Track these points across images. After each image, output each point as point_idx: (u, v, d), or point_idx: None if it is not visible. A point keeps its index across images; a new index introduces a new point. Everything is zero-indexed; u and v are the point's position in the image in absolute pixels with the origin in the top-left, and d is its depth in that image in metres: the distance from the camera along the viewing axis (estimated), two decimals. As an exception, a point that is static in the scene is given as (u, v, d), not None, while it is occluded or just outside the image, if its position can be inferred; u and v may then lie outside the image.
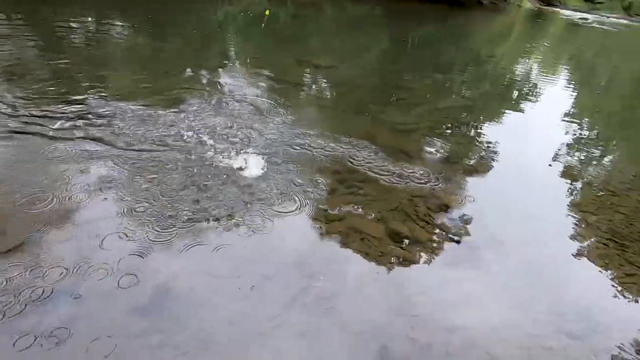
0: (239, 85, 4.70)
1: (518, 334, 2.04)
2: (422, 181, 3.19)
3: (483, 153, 4.20)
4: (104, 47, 5.74)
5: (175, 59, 5.66)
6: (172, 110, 3.85)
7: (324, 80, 5.82)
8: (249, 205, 2.63)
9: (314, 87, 5.28)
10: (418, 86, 6.65)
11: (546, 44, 15.49)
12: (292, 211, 2.65)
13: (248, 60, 6.24)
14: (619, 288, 2.50)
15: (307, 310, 1.95)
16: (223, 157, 3.09)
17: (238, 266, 2.15)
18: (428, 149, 3.92)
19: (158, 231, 2.28)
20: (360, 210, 2.74)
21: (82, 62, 4.94)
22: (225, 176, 2.86)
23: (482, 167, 3.82)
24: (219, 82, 4.76)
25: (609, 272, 2.63)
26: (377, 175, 3.14)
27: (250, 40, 8.26)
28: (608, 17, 36.66)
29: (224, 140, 3.37)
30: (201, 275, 2.06)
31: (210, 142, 3.30)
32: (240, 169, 2.99)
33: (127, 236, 2.22)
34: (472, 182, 3.48)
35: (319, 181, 3.02)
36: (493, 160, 4.06)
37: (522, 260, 2.60)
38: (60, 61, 4.82)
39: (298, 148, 3.43)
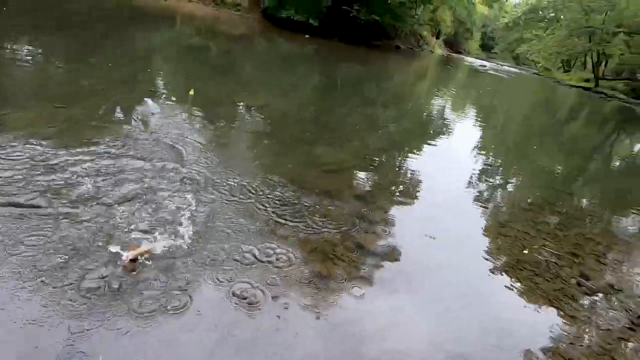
0: (162, 123, 4.40)
1: (446, 355, 2.11)
2: (342, 223, 3.13)
3: (405, 185, 4.47)
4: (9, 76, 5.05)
5: (94, 90, 5.19)
6: (73, 150, 3.36)
7: (254, 118, 5.77)
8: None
9: (242, 125, 5.12)
10: (347, 122, 6.98)
11: (454, 88, 17.63)
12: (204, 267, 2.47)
13: (174, 95, 5.97)
14: (529, 301, 2.75)
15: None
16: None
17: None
18: (353, 186, 4.01)
19: None
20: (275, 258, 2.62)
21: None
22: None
23: (404, 198, 4.02)
24: (139, 118, 4.38)
25: (519, 286, 2.90)
26: (295, 223, 2.96)
27: (179, 73, 8.00)
28: (501, 65, 43.30)
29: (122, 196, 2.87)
30: None
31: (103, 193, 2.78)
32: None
33: None
34: (393, 214, 3.64)
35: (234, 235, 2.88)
36: (415, 191, 4.34)
37: (443, 283, 2.74)
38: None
39: (214, 194, 3.18)
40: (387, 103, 10.02)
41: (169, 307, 1.97)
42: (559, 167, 7.41)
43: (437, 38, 39.76)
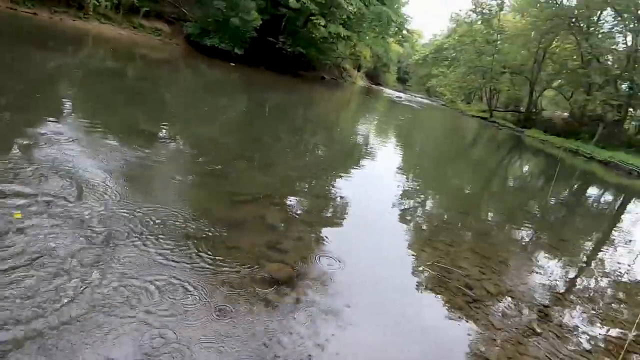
0: (65, 156, 4.02)
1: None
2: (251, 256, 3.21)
3: (326, 210, 4.64)
4: None
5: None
6: None
7: (169, 148, 5.56)
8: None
9: (154, 155, 4.86)
10: (275, 149, 7.08)
11: (375, 116, 19.01)
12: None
13: (77, 123, 5.50)
14: (457, 313, 3.00)
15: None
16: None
17: None
18: (266, 215, 4.06)
19: None
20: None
21: None
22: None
23: (322, 223, 4.18)
24: (38, 150, 3.96)
25: (446, 298, 3.15)
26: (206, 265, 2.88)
27: (88, 98, 7.40)
28: (415, 97, 48.10)
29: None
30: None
31: None
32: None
33: None
34: (307, 240, 3.75)
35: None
36: (334, 215, 4.54)
37: (373, 301, 2.87)
38: None
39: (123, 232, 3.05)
40: (314, 130, 10.40)
41: None
42: (464, 188, 8.34)
43: (359, 71, 42.90)
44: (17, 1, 16.42)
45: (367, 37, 31.21)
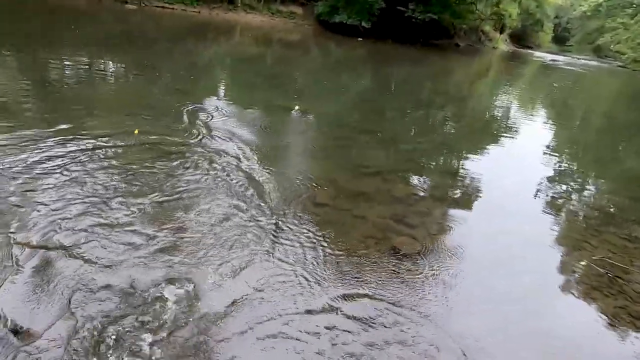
0: (222, 127, 4.66)
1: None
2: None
3: (456, 189, 4.18)
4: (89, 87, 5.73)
5: (157, 99, 5.66)
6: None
7: (300, 124, 5.83)
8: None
9: (291, 129, 5.20)
10: (401, 124, 6.78)
11: (519, 85, 16.25)
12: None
13: (230, 103, 6.28)
14: (608, 320, 2.39)
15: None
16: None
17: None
18: (393, 189, 3.84)
19: None
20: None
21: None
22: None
23: (453, 202, 3.76)
24: (199, 127, 4.65)
25: (601, 305, 2.53)
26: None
27: (237, 81, 8.42)
28: (578, 59, 39.11)
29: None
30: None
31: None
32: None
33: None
34: (451, 217, 3.41)
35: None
36: (467, 196, 4.04)
37: (506, 295, 2.49)
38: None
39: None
40: (444, 104, 9.56)
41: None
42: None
43: (501, 32, 37.12)
44: (186, 2, 19.76)
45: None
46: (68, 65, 6.84)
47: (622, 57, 35.61)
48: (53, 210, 2.53)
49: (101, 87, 5.86)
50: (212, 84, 7.41)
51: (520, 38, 44.04)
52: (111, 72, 7.04)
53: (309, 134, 5.15)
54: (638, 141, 8.75)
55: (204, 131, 4.38)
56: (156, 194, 2.91)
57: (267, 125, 5.08)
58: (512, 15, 33.31)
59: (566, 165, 5.95)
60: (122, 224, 2.50)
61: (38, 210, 2.50)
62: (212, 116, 4.98)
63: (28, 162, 3.03)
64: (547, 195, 4.41)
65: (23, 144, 3.31)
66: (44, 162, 3.07)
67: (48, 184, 2.80)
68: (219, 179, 3.30)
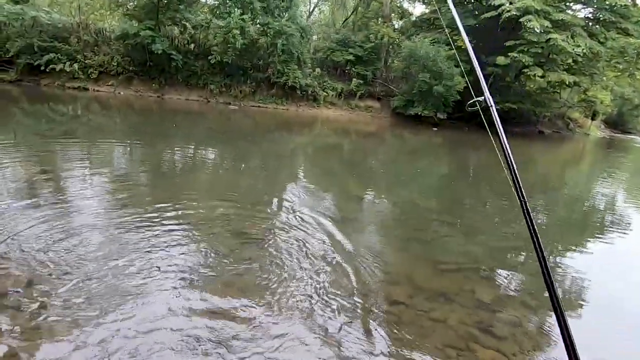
0: (302, 213, 4.99)
1: None
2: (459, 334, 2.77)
3: (561, 293, 3.67)
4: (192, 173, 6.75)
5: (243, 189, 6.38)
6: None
7: (381, 212, 5.92)
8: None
9: (368, 219, 5.31)
10: (482, 214, 6.47)
11: (624, 173, 14.56)
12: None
13: (312, 188, 6.74)
14: None
15: None
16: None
17: None
18: (475, 289, 3.54)
19: None
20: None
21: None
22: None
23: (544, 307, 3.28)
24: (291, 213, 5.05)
25: None
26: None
27: (316, 168, 9.11)
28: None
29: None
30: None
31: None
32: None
33: None
34: (525, 325, 2.96)
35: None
36: (574, 300, 3.51)
37: None
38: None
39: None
40: (529, 193, 8.93)
41: None
42: None
43: (593, 119, 34.86)
44: (277, 102, 22.92)
45: (604, 78, 25.49)
46: (179, 155, 8.24)
47: None
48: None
49: (205, 174, 6.85)
50: (293, 174, 8.12)
51: (618, 123, 40.62)
52: (216, 162, 8.22)
53: (386, 224, 5.18)
54: None
55: (282, 220, 4.73)
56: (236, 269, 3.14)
57: (343, 215, 5.28)
58: (604, 101, 31.46)
59: None
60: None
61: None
62: (292, 207, 5.38)
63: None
64: None
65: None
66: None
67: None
68: (295, 267, 3.44)
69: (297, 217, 4.84)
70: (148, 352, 2.22)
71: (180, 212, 4.46)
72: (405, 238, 4.73)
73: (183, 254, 3.43)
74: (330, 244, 4.04)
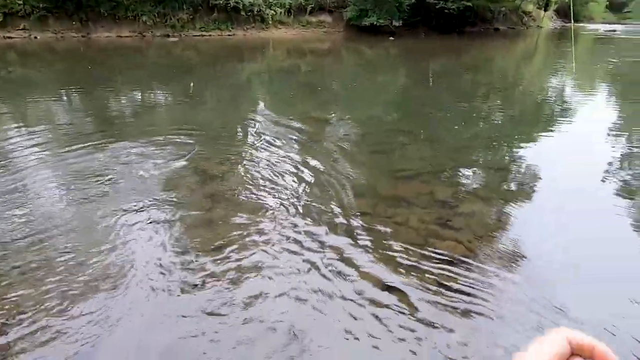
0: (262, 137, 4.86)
1: None
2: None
3: (512, 184, 3.96)
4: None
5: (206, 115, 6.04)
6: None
7: (341, 130, 5.87)
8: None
9: (329, 139, 5.27)
10: (442, 121, 6.58)
11: (571, 64, 15.00)
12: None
13: (268, 113, 6.50)
14: None
15: None
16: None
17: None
18: (434, 191, 3.73)
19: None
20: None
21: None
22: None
23: (512, 199, 3.57)
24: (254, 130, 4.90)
25: None
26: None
27: (273, 93, 8.71)
28: (638, 25, 35.20)
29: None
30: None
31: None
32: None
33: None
34: (499, 216, 3.24)
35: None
36: (524, 190, 3.81)
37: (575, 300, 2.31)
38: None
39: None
40: (487, 94, 9.12)
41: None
42: None
43: (546, 10, 34.59)
44: (221, 28, 20.83)
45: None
46: (125, 98, 7.55)
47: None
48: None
49: (154, 112, 6.38)
50: (251, 102, 7.73)
51: (568, 13, 40.60)
52: (168, 100, 7.63)
53: (349, 141, 5.18)
54: None
55: (249, 146, 4.60)
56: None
57: (308, 137, 5.21)
58: (556, -11, 30.95)
59: (633, 147, 5.39)
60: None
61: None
62: (257, 133, 5.21)
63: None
64: (613, 181, 4.02)
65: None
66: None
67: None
68: (262, 189, 3.44)
69: (263, 142, 4.82)
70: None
71: (140, 150, 4.22)
72: (367, 152, 4.78)
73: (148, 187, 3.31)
74: (298, 164, 4.08)
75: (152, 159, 4.24)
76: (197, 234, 2.87)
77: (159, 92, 8.58)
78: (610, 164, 4.51)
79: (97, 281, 2.36)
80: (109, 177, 3.78)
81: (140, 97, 8.03)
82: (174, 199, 3.35)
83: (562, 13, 39.59)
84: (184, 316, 2.13)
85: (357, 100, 8.18)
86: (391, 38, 20.96)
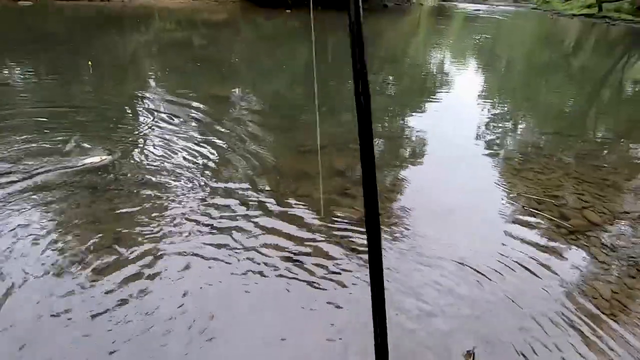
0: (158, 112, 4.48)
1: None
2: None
3: (403, 150, 4.47)
4: None
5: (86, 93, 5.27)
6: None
7: (240, 108, 5.74)
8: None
9: (228, 118, 5.12)
10: (340, 95, 6.89)
11: (447, 39, 16.96)
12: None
13: (159, 90, 5.99)
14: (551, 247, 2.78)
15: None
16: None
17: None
18: (334, 164, 4.02)
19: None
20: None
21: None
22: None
23: (403, 163, 4.04)
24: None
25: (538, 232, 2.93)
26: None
27: (165, 73, 7.98)
28: (496, 6, 41.18)
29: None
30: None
31: None
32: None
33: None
34: (393, 180, 3.65)
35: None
36: (415, 153, 4.35)
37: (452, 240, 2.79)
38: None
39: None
40: (380, 68, 9.78)
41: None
42: (561, 106, 7.20)
43: (426, -12, 37.89)
44: (92, -8, 17.82)
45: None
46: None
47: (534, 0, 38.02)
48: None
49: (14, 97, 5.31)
50: (140, 79, 6.96)
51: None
52: (24, 80, 6.36)
53: (251, 119, 5.10)
54: (552, 80, 9.65)
55: (146, 129, 4.21)
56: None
57: (209, 116, 4.98)
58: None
59: (496, 110, 6.58)
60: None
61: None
62: (153, 116, 4.76)
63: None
64: (481, 141, 4.91)
65: None
66: None
67: None
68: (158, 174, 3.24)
69: (157, 121, 4.45)
70: None
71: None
72: (270, 129, 4.81)
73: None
74: (200, 144, 3.93)
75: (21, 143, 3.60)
76: (89, 230, 2.60)
77: (17, 69, 7.12)
78: (480, 123, 5.67)
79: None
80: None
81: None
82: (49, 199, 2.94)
83: (440, -9, 43.80)
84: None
85: (260, 77, 8.02)
86: (288, 11, 20.68)
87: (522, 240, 2.87)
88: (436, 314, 2.15)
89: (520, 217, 3.16)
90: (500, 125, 5.69)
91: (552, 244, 2.84)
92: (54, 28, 12.23)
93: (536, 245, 2.82)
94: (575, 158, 4.49)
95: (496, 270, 2.52)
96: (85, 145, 3.80)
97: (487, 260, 2.61)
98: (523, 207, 3.30)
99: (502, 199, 3.44)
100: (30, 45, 9.04)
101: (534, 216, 3.16)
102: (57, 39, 10.26)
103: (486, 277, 2.46)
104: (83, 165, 3.39)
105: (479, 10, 34.45)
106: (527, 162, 4.26)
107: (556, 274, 2.54)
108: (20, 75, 6.70)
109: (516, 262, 2.62)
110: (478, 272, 2.49)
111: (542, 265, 2.62)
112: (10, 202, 2.84)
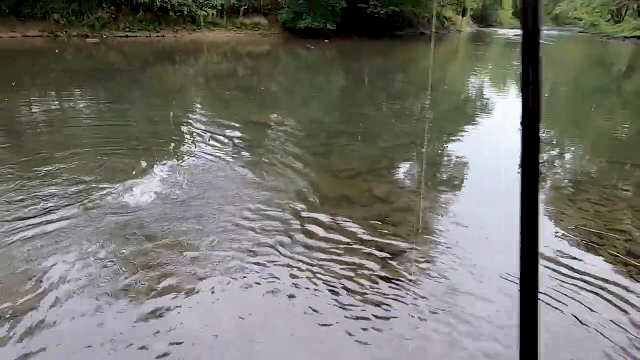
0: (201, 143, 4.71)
1: None
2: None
3: (443, 177, 4.33)
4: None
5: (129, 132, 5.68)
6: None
7: (281, 134, 5.89)
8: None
9: (269, 144, 5.28)
10: (378, 120, 6.91)
11: (487, 64, 16.69)
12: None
13: (208, 122, 6.32)
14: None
15: None
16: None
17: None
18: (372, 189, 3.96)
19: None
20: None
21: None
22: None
23: (443, 191, 3.91)
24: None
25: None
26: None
27: (210, 101, 8.45)
28: (539, 31, 40.10)
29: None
30: None
31: None
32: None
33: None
34: (432, 208, 3.53)
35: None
36: (454, 181, 4.20)
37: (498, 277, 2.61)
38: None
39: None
40: (417, 93, 9.76)
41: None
42: (616, 131, 6.73)
43: (463, 15, 37.93)
44: (148, 29, 19.61)
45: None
46: (38, 107, 6.79)
47: (580, 22, 36.78)
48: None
49: (75, 126, 5.83)
50: (187, 107, 7.42)
51: (483, 18, 45.12)
52: (85, 110, 6.99)
53: (290, 143, 5.22)
54: (605, 104, 9.10)
55: (190, 154, 4.44)
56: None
57: (243, 143, 5.16)
58: (471, -3, 34.08)
59: (544, 135, 6.21)
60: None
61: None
62: (188, 146, 5.02)
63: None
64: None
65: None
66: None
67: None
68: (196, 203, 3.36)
69: (203, 150, 4.68)
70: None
71: (60, 179, 3.84)
72: (310, 153, 4.88)
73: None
74: (239, 169, 4.05)
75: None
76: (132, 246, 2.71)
77: (80, 100, 7.85)
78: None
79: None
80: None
81: (58, 104, 7.28)
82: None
83: (478, 18, 43.81)
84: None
85: (298, 104, 8.28)
86: (326, 41, 21.45)
87: (585, 281, 2.62)
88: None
89: (582, 251, 2.91)
90: (546, 150, 5.37)
91: (620, 282, 2.57)
92: (115, 61, 13.47)
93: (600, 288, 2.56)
94: (637, 188, 4.12)
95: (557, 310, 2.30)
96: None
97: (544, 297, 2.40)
98: (583, 241, 3.04)
99: (557, 233, 3.20)
100: (96, 79, 10.00)
101: (596, 252, 2.90)
102: (116, 72, 11.26)
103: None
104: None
105: (519, 35, 33.75)
106: (581, 192, 3.97)
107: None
108: (88, 110, 7.38)
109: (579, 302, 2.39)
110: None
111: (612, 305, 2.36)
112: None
